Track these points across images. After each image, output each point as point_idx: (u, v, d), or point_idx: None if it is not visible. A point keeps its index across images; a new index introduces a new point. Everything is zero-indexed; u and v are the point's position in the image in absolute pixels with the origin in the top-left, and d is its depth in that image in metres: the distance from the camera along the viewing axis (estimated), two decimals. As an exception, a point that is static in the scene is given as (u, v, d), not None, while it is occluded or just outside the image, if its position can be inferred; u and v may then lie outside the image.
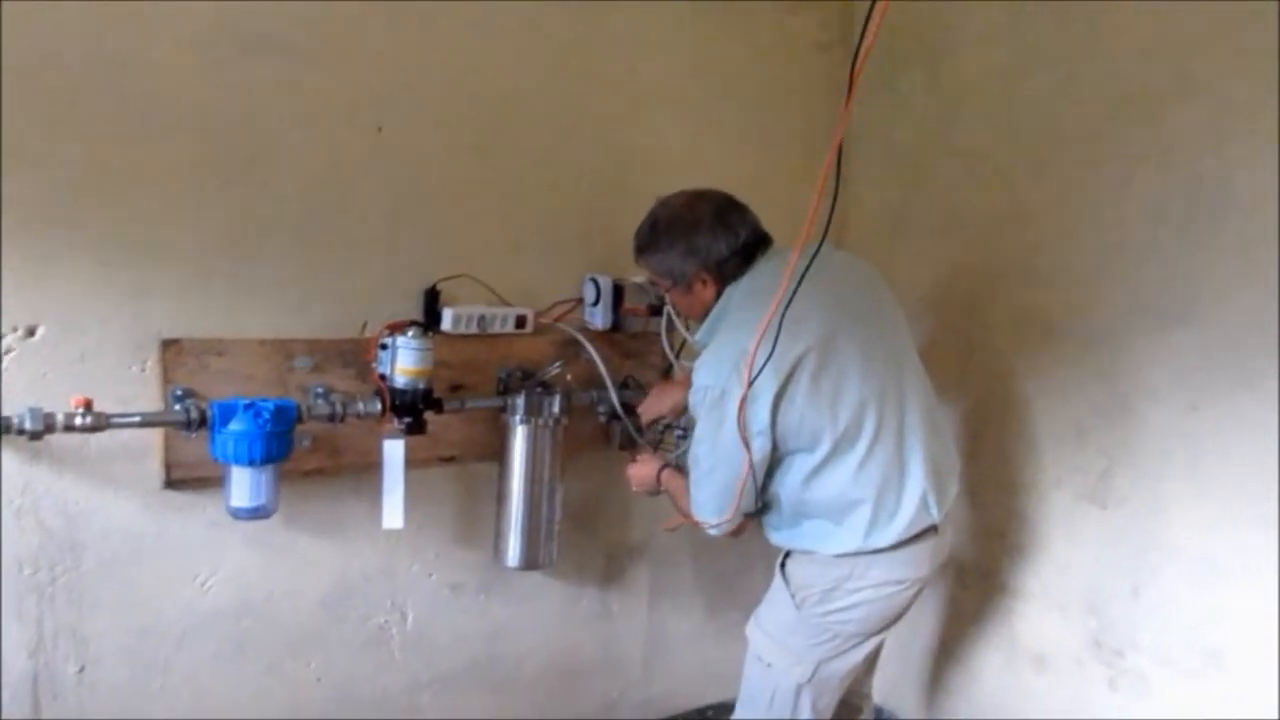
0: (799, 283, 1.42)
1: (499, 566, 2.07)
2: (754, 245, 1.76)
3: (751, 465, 1.64)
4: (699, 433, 1.70)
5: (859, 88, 2.70)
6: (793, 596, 1.75)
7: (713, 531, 1.74)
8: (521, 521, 2.01)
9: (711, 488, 1.71)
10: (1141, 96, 1.92)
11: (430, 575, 2.08)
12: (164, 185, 1.69)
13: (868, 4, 1.07)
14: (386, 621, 2.04)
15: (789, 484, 1.69)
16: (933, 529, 1.75)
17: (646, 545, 2.38)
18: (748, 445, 1.62)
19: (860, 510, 1.68)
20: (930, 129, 2.36)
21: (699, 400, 1.68)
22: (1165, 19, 1.87)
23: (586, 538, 2.27)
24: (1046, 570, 2.15)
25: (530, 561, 2.03)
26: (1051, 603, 2.14)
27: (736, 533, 1.77)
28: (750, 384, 1.58)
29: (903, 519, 1.69)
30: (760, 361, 1.58)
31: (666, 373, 2.27)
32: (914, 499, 1.70)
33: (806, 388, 1.63)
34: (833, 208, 1.23)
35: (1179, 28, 1.84)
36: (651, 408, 2.09)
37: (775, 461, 1.68)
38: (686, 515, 1.83)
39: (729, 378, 1.63)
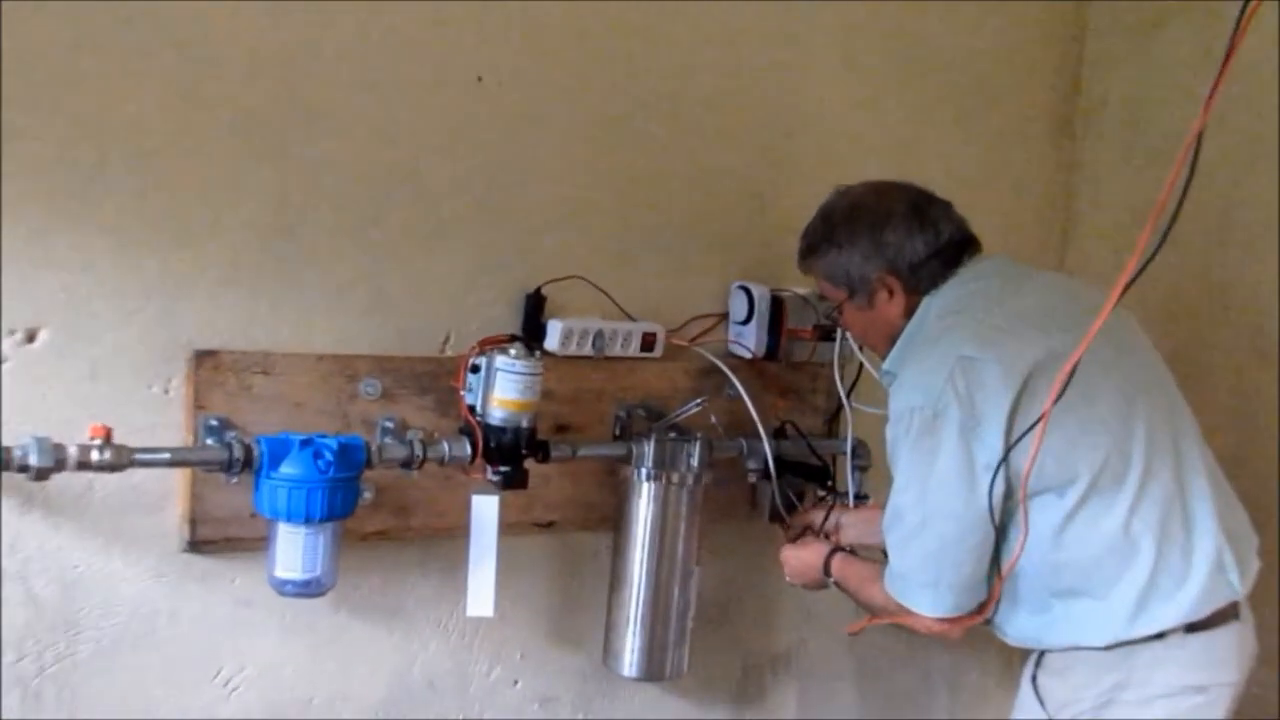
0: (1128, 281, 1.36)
1: (607, 675, 2.06)
2: (959, 247, 1.78)
3: (993, 519, 1.60)
4: (901, 477, 1.69)
5: (1102, 42, 2.62)
6: None
7: (927, 615, 1.69)
8: (644, 616, 1.98)
9: (921, 551, 1.68)
10: None
11: (515, 683, 2.07)
12: (205, 151, 1.71)
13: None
14: (456, 746, 2.03)
15: (1033, 543, 1.65)
16: (1233, 610, 1.70)
17: (796, 654, 2.35)
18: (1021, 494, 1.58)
19: (1136, 569, 1.64)
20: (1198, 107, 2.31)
21: (901, 430, 1.67)
22: None
23: (719, 639, 2.24)
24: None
25: (653, 671, 2.01)
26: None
27: (958, 626, 1.71)
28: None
29: (1194, 585, 1.65)
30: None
31: (832, 417, 2.25)
32: (1206, 557, 1.67)
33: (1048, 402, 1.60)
34: (1172, 222, 1.20)
35: None
36: (861, 530, 2.05)
37: (1006, 514, 1.65)
38: (879, 611, 1.80)
39: (943, 392, 1.62)
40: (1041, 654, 1.75)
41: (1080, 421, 1.63)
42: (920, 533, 1.67)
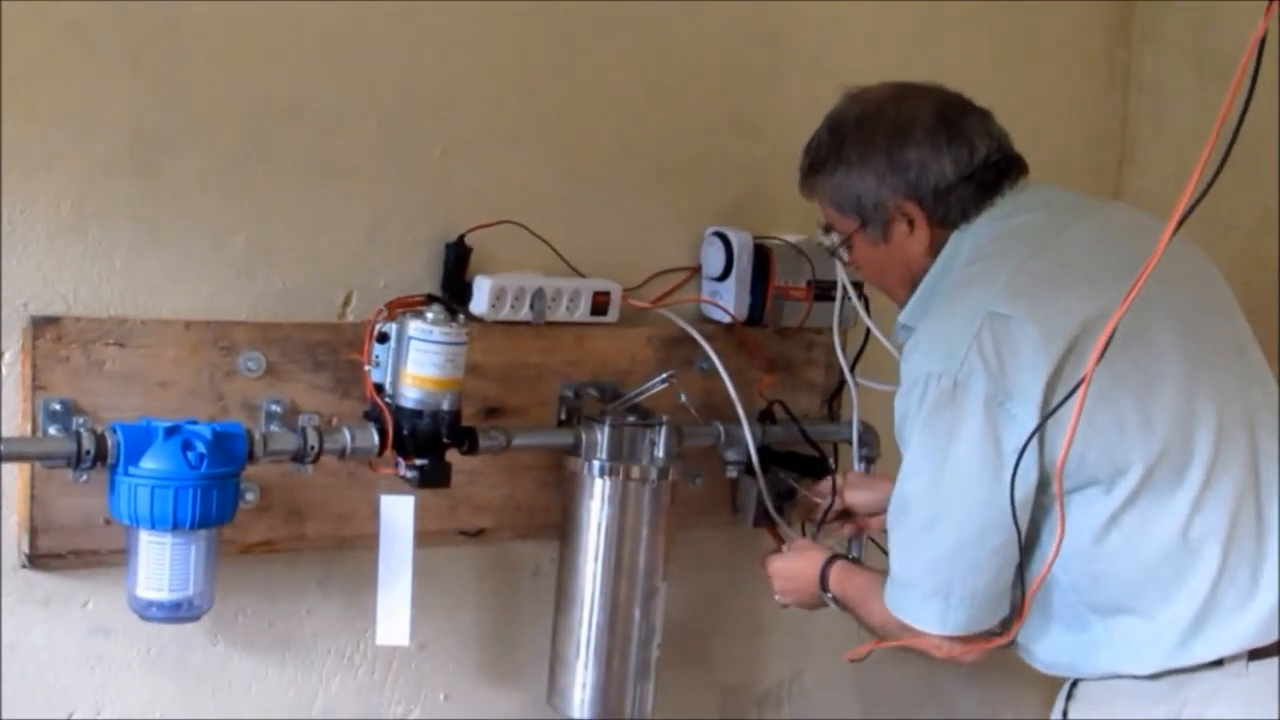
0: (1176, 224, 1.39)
1: (552, 718, 2.08)
2: (998, 169, 1.80)
3: (1015, 516, 1.60)
4: (910, 461, 1.71)
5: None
6: None
7: (934, 632, 1.70)
8: (597, 645, 2.02)
9: (930, 553, 1.69)
10: None
11: (438, 730, 2.10)
12: (44, 66, 1.71)
13: None
14: (365, 810, 2.06)
15: (1070, 548, 1.63)
16: None
17: (788, 691, 2.39)
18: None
19: (1194, 582, 1.66)
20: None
21: (914, 402, 1.68)
22: None
23: (692, 673, 2.28)
24: None
25: (609, 712, 2.04)
26: None
27: (974, 648, 1.73)
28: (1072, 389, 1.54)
29: (1263, 604, 1.67)
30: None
31: (833, 396, 2.30)
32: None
33: (1097, 373, 1.59)
34: (1232, 141, 1.24)
35: None
36: (874, 498, 2.10)
37: (1040, 510, 1.67)
38: (882, 633, 1.82)
39: (967, 357, 1.63)
40: (1074, 684, 1.77)
41: (1135, 397, 1.65)
42: (930, 531, 1.68)
